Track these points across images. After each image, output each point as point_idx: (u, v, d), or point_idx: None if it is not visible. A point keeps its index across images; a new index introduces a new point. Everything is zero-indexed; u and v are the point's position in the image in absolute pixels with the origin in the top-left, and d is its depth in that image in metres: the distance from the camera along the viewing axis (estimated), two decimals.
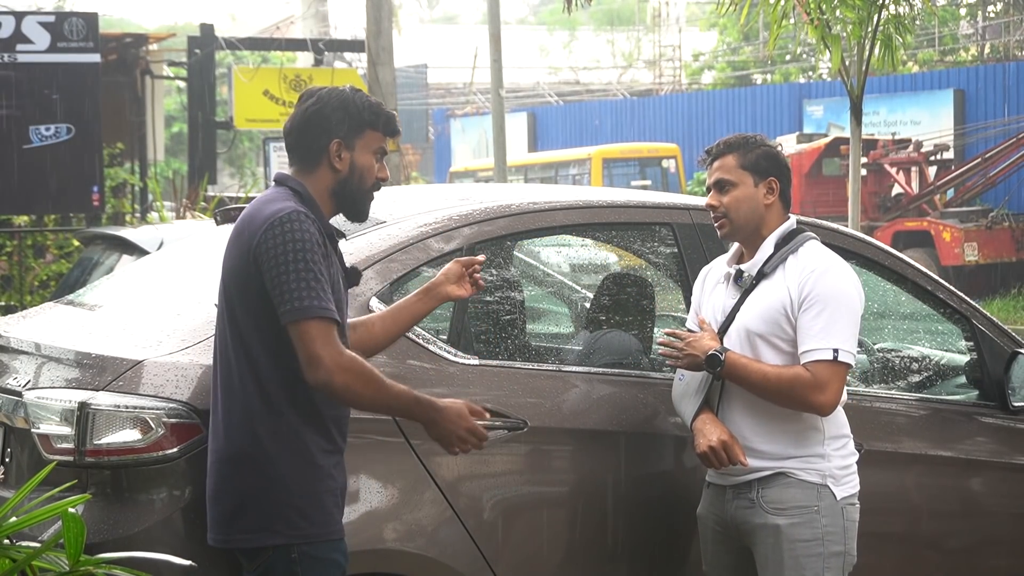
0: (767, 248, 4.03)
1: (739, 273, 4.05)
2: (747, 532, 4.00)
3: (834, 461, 3.99)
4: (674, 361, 4.02)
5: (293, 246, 3.33)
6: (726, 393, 4.01)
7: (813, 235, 4.09)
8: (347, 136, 3.54)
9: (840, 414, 4.04)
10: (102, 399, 3.68)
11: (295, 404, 3.43)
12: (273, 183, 3.61)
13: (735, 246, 4.16)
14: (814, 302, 3.90)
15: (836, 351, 3.87)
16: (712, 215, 4.09)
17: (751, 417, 3.99)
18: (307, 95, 3.58)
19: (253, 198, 3.87)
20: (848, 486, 4.00)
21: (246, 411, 3.42)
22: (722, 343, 4.00)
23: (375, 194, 3.63)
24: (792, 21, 10.79)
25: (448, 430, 3.50)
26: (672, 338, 4.02)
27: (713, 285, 4.15)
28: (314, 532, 3.45)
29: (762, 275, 4.02)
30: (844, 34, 10.17)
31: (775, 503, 3.95)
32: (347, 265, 3.61)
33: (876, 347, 5.16)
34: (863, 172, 17.98)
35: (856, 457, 4.07)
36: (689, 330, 4.16)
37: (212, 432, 3.50)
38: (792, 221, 4.11)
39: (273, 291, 3.34)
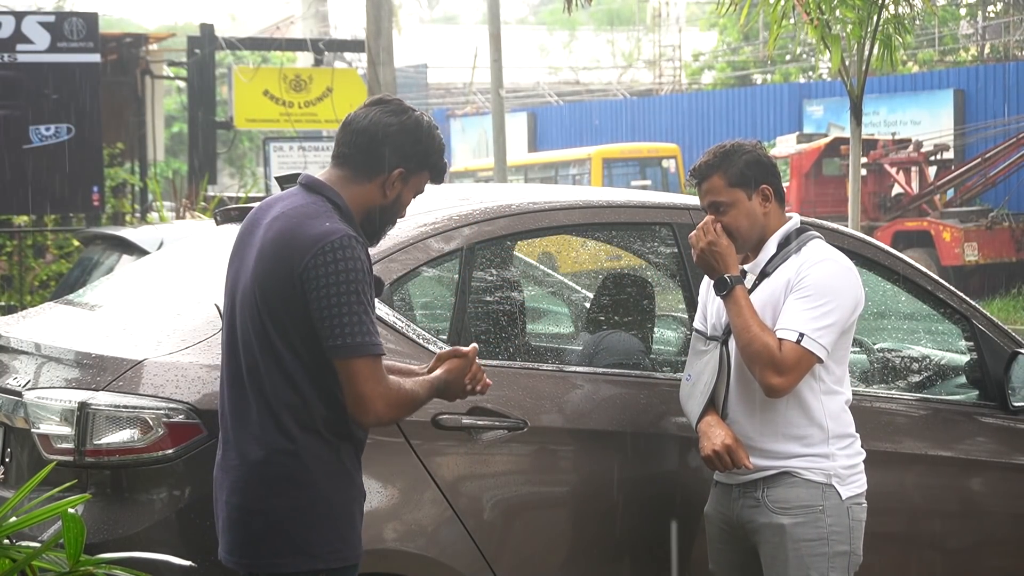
0: (769, 249, 4.03)
1: (743, 274, 4.04)
2: (753, 531, 4.00)
3: (839, 460, 3.97)
4: (696, 247, 3.96)
5: (346, 276, 3.17)
6: (731, 394, 4.01)
7: (817, 234, 4.07)
8: (410, 169, 3.39)
9: (845, 413, 4.02)
10: (102, 399, 3.68)
11: (329, 425, 3.28)
12: (301, 186, 3.38)
13: None
14: (802, 288, 3.89)
15: (802, 335, 3.83)
16: None
17: (756, 417, 3.98)
18: (400, 108, 3.41)
19: (254, 198, 3.78)
20: (854, 485, 3.99)
21: (284, 430, 3.25)
22: (728, 344, 4.00)
23: None
24: (792, 21, 10.78)
25: (454, 393, 3.50)
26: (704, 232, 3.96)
27: None
28: (349, 555, 3.32)
29: (764, 275, 4.01)
30: (844, 34, 10.17)
31: (780, 502, 3.95)
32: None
33: (876, 347, 5.16)
34: (863, 172, 17.98)
35: (863, 456, 4.05)
36: (696, 331, 4.15)
37: (230, 450, 3.32)
38: (795, 220, 4.09)
39: (321, 321, 3.18)
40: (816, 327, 3.84)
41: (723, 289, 3.92)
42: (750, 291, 4.00)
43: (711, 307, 4.12)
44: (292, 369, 3.25)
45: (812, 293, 3.88)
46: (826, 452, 3.96)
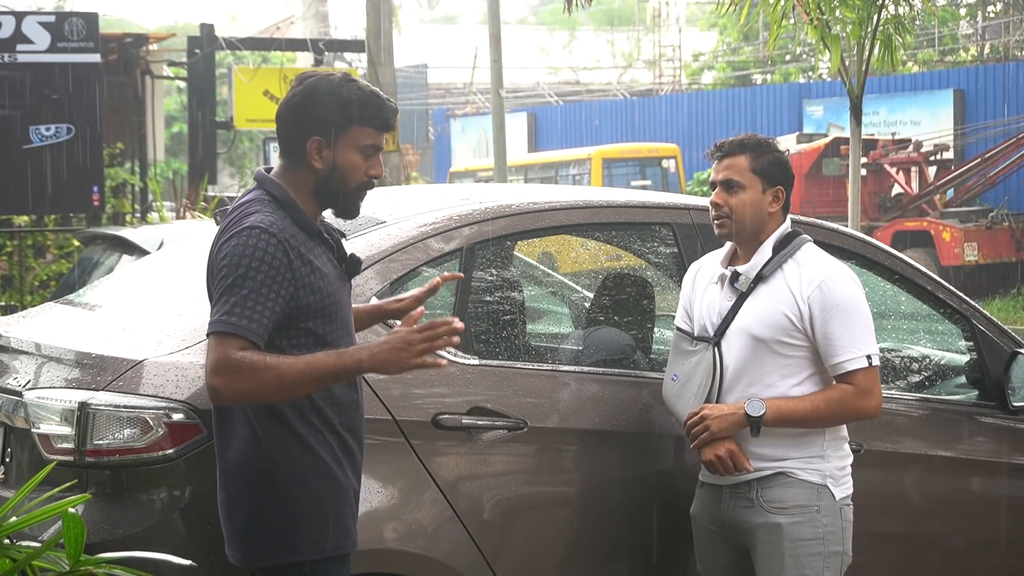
0: (765, 252, 4.01)
1: (735, 275, 4.03)
2: (745, 532, 4.00)
3: (833, 462, 4.00)
4: (705, 435, 3.93)
5: (230, 260, 3.17)
6: (726, 396, 3.99)
7: (807, 237, 4.08)
8: (329, 134, 3.30)
9: None
10: (102, 399, 3.67)
11: (301, 415, 3.28)
12: (255, 180, 3.40)
13: (728, 246, 4.13)
14: (834, 313, 3.90)
15: (869, 357, 3.92)
16: (714, 213, 4.06)
17: None
18: (298, 81, 3.36)
19: None
20: (845, 487, 4.02)
21: (251, 426, 3.28)
22: (720, 345, 3.99)
23: (367, 192, 3.40)
24: (792, 21, 10.79)
25: (398, 366, 3.18)
26: (694, 419, 3.96)
27: (705, 284, 4.11)
28: (330, 547, 3.33)
29: (760, 278, 4.00)
30: (844, 34, 10.17)
31: (776, 502, 3.95)
32: (347, 255, 3.43)
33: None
34: (863, 172, 17.98)
35: (851, 459, 4.08)
36: (680, 329, 4.14)
37: (217, 444, 3.38)
38: (787, 223, 4.10)
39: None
40: (871, 341, 3.94)
41: (758, 411, 3.90)
42: (746, 294, 4.00)
43: (697, 306, 4.10)
44: None
45: (849, 316, 3.92)
46: (821, 454, 3.98)
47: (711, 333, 4.02)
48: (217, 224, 4.80)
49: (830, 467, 3.98)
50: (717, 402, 4.00)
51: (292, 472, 3.28)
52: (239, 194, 3.57)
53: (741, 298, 4.00)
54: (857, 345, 3.91)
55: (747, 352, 3.96)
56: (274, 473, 3.28)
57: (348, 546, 3.38)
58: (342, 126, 3.31)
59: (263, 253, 3.18)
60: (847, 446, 4.07)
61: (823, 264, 3.99)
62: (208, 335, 3.18)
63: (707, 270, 4.15)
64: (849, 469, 4.05)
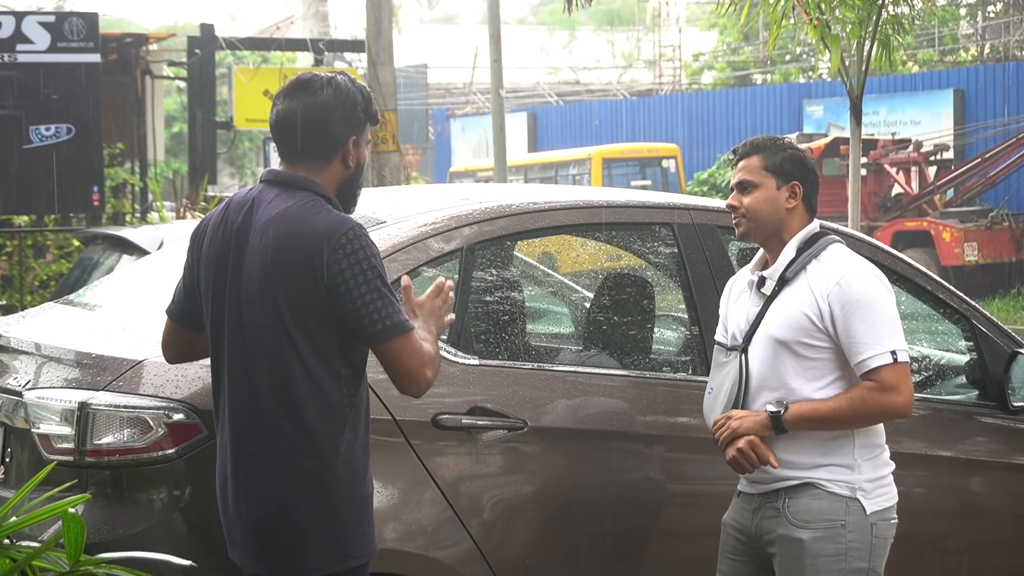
0: (788, 252, 3.96)
1: (762, 280, 3.98)
2: (770, 542, 3.91)
3: (865, 472, 3.89)
4: (727, 433, 3.89)
5: (368, 263, 3.19)
6: (750, 403, 3.92)
7: (836, 238, 4.03)
8: (358, 130, 3.38)
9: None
10: (102, 399, 3.68)
11: (351, 421, 3.29)
12: (278, 184, 3.34)
13: (759, 253, 4.10)
14: (854, 309, 3.83)
15: (894, 352, 3.82)
16: (733, 216, 4.05)
17: None
18: (321, 81, 3.36)
19: None
20: (881, 500, 3.90)
21: (306, 435, 3.24)
22: (747, 351, 3.94)
23: None
24: (792, 21, 10.79)
25: (438, 324, 3.45)
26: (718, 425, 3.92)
27: (738, 294, 4.08)
28: (372, 548, 3.35)
29: (784, 280, 3.94)
30: (844, 34, 10.18)
31: (801, 515, 3.86)
32: None
33: None
34: (863, 172, 17.98)
35: (890, 468, 3.97)
36: (718, 343, 4.12)
37: (246, 460, 3.28)
38: (815, 224, 4.04)
39: (356, 311, 3.18)
40: (896, 335, 3.85)
41: (779, 409, 3.84)
42: (771, 298, 3.97)
43: (731, 318, 4.06)
44: (317, 369, 3.23)
45: (869, 312, 3.83)
46: (851, 463, 3.88)
47: (740, 341, 3.99)
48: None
49: (860, 479, 3.88)
50: (744, 408, 3.94)
51: (344, 477, 3.27)
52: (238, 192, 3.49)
53: (767, 302, 3.95)
54: (879, 341, 3.81)
55: (770, 356, 3.89)
56: (329, 481, 3.25)
57: (376, 547, 3.40)
58: (364, 123, 3.41)
59: (376, 248, 3.27)
60: (885, 455, 3.96)
61: (844, 261, 3.93)
62: (389, 339, 3.20)
63: (740, 281, 4.11)
64: (888, 480, 3.94)
